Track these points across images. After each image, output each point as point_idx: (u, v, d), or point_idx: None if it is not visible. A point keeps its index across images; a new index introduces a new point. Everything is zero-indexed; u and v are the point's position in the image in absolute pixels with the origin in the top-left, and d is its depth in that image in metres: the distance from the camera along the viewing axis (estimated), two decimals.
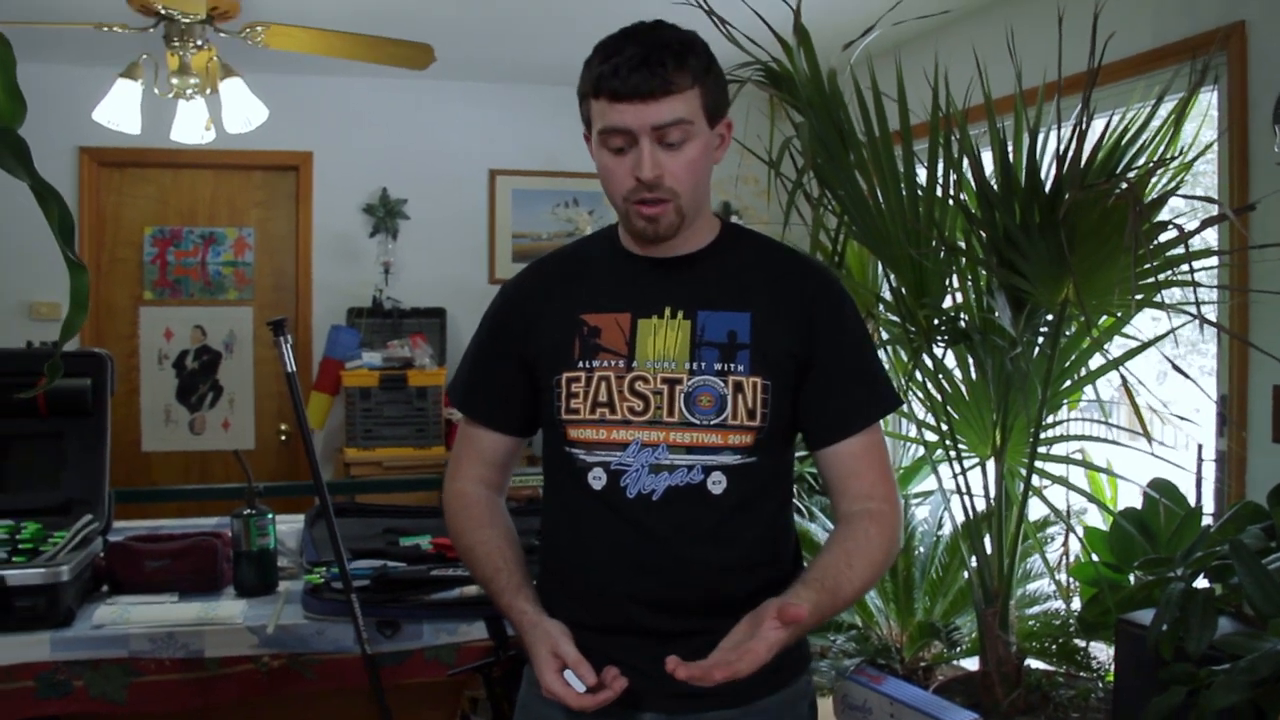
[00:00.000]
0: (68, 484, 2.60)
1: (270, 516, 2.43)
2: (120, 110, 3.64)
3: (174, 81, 3.62)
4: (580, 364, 1.64)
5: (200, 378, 5.53)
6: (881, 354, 2.33)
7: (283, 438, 5.62)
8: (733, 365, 1.61)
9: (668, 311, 1.63)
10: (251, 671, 2.17)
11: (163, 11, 3.43)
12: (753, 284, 1.66)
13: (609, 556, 1.63)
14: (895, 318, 3.03)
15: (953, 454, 2.93)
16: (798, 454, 1.77)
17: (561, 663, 1.52)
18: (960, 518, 3.03)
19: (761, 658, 1.40)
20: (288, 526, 2.71)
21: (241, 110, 3.80)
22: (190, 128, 3.93)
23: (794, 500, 1.80)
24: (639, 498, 1.59)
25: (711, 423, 1.60)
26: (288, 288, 5.61)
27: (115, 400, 2.79)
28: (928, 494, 4.11)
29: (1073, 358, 2.89)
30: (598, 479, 1.61)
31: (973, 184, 2.80)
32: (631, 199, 1.58)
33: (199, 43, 3.57)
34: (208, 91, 3.76)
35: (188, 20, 3.50)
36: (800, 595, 1.48)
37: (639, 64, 1.51)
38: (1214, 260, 3.02)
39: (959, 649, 3.52)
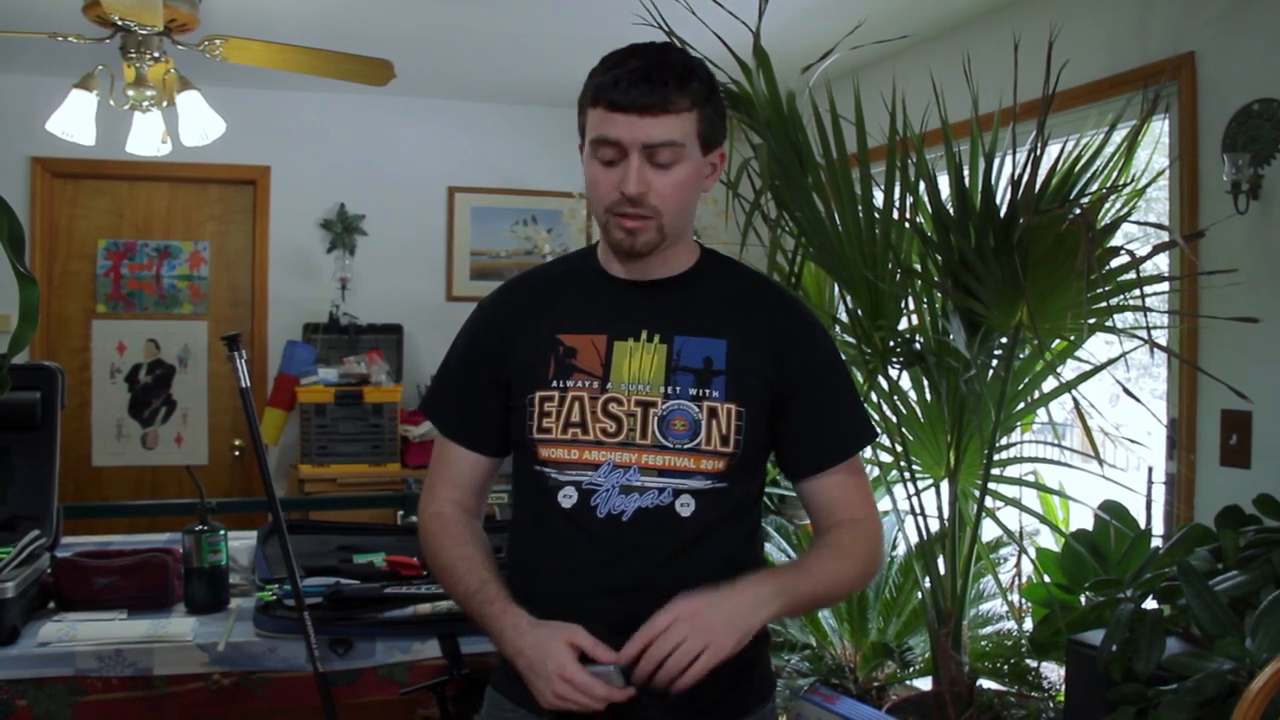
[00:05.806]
0: (14, 499, 2.56)
1: (222, 533, 2.40)
2: (75, 121, 3.60)
3: (130, 93, 3.58)
4: (554, 383, 1.63)
5: (153, 392, 5.46)
6: None
7: (236, 453, 5.56)
8: (708, 391, 1.61)
9: (644, 334, 1.63)
10: (201, 690, 2.14)
11: (119, 23, 3.39)
12: (730, 312, 1.66)
13: (576, 575, 1.62)
14: (851, 339, 3.05)
15: (907, 475, 2.95)
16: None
17: (580, 652, 1.49)
18: (914, 538, 3.04)
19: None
20: (240, 543, 2.68)
21: (198, 123, 3.76)
22: (146, 140, 3.89)
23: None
24: (609, 518, 1.59)
25: (685, 447, 1.59)
26: (243, 302, 5.56)
27: (66, 414, 2.75)
28: (882, 515, 4.12)
29: (1026, 380, 2.92)
30: (568, 497, 1.61)
31: (929, 207, 2.83)
32: (613, 211, 1.57)
33: (156, 55, 3.53)
34: (164, 104, 3.72)
35: (145, 32, 3.46)
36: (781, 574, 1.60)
37: (640, 79, 1.52)
38: (1165, 286, 3.07)
39: (912, 669, 3.52)
